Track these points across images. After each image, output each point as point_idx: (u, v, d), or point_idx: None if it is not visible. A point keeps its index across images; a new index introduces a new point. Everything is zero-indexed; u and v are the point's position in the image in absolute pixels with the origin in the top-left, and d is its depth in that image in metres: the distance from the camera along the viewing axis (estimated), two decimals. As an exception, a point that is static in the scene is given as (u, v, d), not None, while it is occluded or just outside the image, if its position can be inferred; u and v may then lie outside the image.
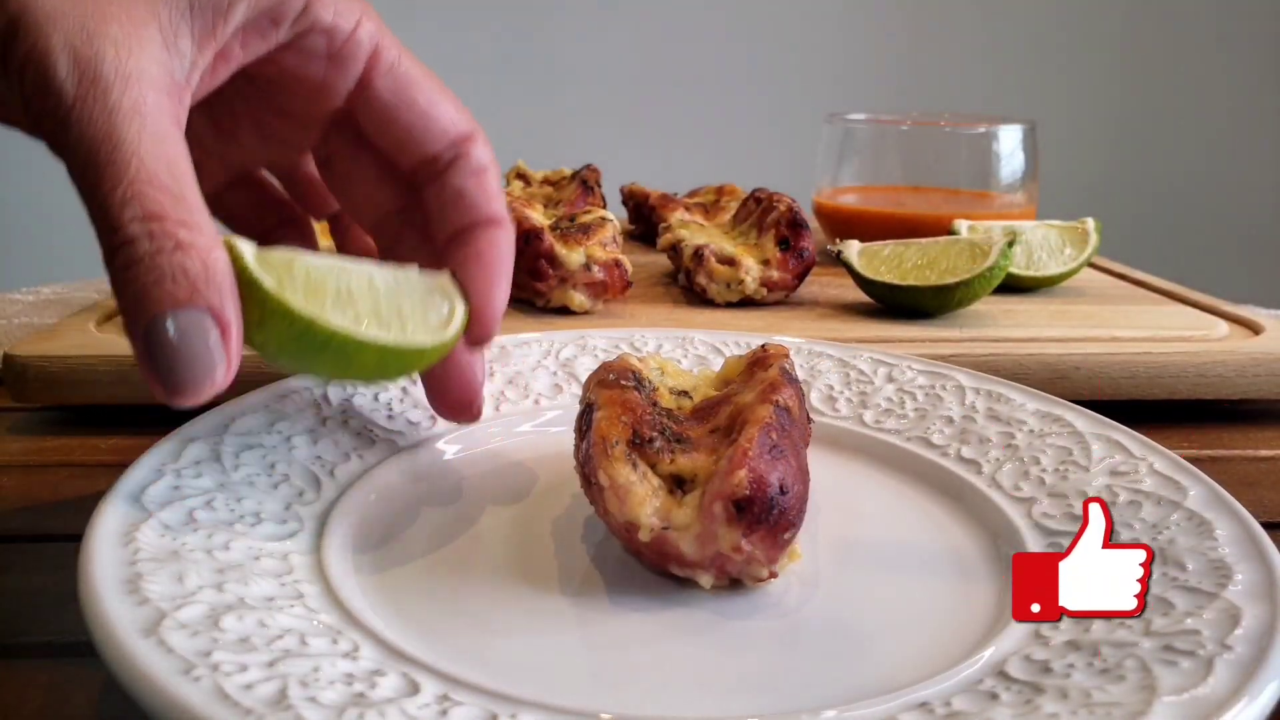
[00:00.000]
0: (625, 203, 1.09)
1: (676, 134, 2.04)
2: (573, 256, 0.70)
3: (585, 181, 0.95)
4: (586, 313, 0.72)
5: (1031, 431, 0.48)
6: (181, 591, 0.31)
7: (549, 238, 0.71)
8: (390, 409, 0.51)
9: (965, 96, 2.08)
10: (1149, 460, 0.43)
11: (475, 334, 0.42)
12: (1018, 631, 0.33)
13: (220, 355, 0.33)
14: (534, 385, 0.56)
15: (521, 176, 1.11)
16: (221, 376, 0.33)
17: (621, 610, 0.37)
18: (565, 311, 0.72)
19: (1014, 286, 0.80)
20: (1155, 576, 0.35)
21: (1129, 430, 0.46)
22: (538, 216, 0.74)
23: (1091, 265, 0.93)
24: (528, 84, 2.01)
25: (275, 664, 0.28)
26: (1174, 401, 0.64)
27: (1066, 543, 0.39)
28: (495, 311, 0.42)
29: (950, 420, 0.51)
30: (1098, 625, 0.32)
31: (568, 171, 1.09)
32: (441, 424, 0.51)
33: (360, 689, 0.28)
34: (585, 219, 0.75)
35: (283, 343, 0.36)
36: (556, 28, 1.99)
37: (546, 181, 1.08)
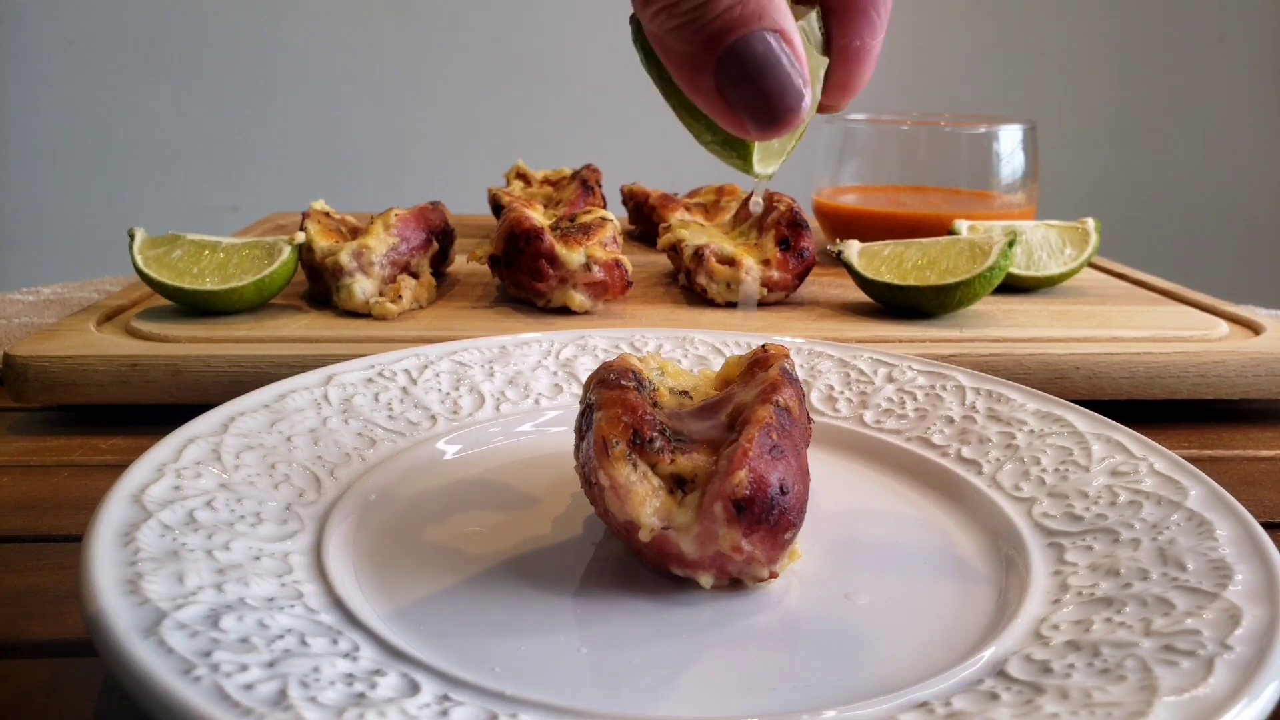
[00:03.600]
0: (625, 203, 1.09)
1: (677, 134, 2.04)
2: (573, 256, 0.71)
3: (585, 181, 0.95)
4: (587, 313, 0.72)
5: (1032, 431, 0.48)
6: (181, 591, 0.31)
7: (549, 238, 0.71)
8: (391, 409, 0.51)
9: (965, 96, 2.08)
10: (1149, 460, 0.43)
11: (840, 94, 0.36)
12: (1018, 631, 0.33)
13: (801, 77, 0.31)
14: (534, 385, 0.56)
15: (522, 176, 1.11)
16: (809, 101, 0.31)
17: (621, 610, 0.37)
18: (565, 311, 0.72)
19: (1014, 286, 0.80)
20: (1155, 576, 0.35)
21: (1129, 430, 0.46)
22: (538, 216, 0.74)
23: (1091, 265, 0.93)
24: (528, 84, 2.00)
25: (275, 664, 0.28)
26: (1174, 401, 0.64)
27: (1067, 543, 0.39)
28: (867, 76, 0.36)
29: (950, 420, 0.51)
30: (1098, 625, 0.32)
31: (568, 171, 1.09)
32: (442, 424, 0.51)
33: (360, 689, 0.28)
34: (585, 219, 0.75)
35: None
36: (557, 27, 1.99)
37: (547, 181, 1.08)
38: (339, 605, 0.34)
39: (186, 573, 0.33)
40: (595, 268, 0.71)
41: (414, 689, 0.29)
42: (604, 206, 0.93)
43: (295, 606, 0.33)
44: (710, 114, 0.32)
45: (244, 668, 0.27)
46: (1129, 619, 0.32)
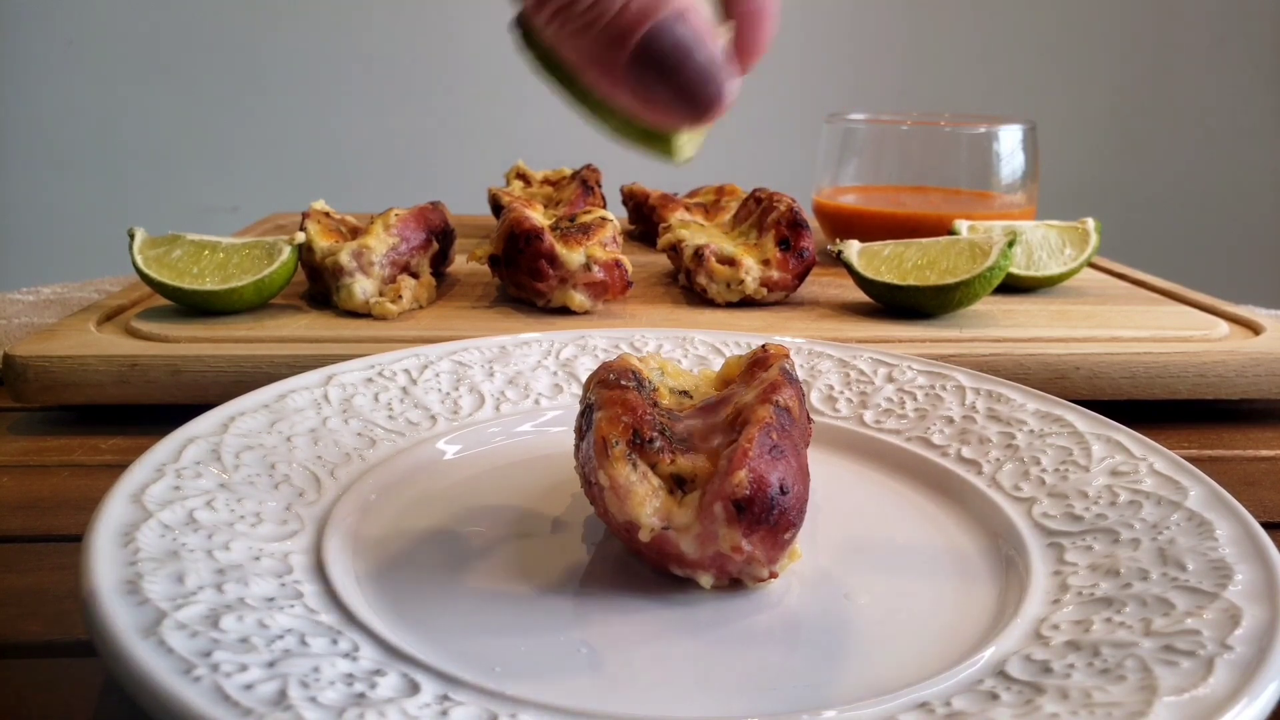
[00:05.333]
0: (625, 203, 1.09)
1: None
2: (573, 257, 0.70)
3: (585, 181, 0.94)
4: (586, 312, 0.72)
5: (1032, 432, 0.48)
6: (181, 591, 0.31)
7: (549, 238, 0.71)
8: (391, 409, 0.51)
9: (965, 96, 2.08)
10: (1149, 460, 0.43)
11: (746, 58, 0.33)
12: (1018, 631, 0.33)
13: (718, 59, 0.29)
14: (534, 385, 0.56)
15: (522, 176, 1.10)
16: (733, 82, 0.29)
17: (621, 610, 0.37)
18: (565, 311, 0.72)
19: (1014, 286, 0.80)
20: (1155, 576, 0.35)
21: (1129, 430, 0.46)
22: (538, 217, 0.74)
23: (1091, 265, 0.93)
24: (528, 84, 2.00)
25: (275, 664, 0.28)
26: (1174, 401, 0.64)
27: (1067, 543, 0.39)
28: (769, 35, 0.33)
29: (950, 420, 0.51)
30: (1098, 625, 0.32)
31: (568, 171, 1.08)
32: (442, 424, 0.51)
33: (360, 689, 0.28)
34: (585, 219, 0.75)
35: None
36: None
37: (547, 181, 1.08)
38: (339, 605, 0.34)
39: (186, 573, 0.33)
40: (595, 268, 0.71)
41: (414, 689, 0.29)
42: (604, 206, 0.93)
43: (295, 606, 0.33)
44: (635, 115, 0.30)
45: (244, 668, 0.27)
46: (1129, 619, 0.32)
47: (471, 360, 0.57)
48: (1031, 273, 0.81)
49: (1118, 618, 0.33)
